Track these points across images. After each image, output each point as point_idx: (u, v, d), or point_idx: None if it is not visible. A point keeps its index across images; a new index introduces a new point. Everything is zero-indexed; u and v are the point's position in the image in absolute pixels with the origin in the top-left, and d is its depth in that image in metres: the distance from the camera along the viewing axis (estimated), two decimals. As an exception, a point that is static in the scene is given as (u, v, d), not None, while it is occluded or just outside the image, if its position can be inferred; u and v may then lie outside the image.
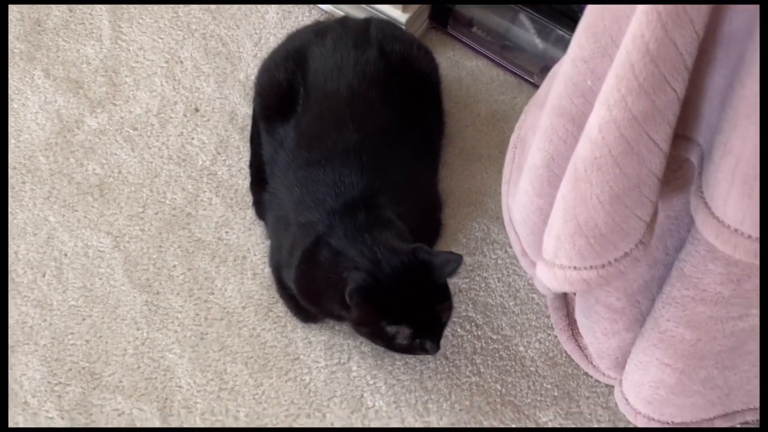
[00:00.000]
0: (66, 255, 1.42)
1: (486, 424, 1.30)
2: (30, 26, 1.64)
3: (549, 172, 0.98)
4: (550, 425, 1.30)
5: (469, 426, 1.29)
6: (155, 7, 1.66)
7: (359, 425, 1.29)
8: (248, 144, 1.51)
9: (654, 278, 1.08)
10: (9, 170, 1.49)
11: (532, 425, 1.30)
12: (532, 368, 1.34)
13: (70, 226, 1.44)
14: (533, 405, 1.31)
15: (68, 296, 1.39)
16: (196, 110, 1.56)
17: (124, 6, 1.66)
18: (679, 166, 0.91)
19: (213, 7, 1.66)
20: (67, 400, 1.31)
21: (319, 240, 1.24)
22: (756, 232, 0.77)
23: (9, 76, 1.58)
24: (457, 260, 1.16)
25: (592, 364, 1.31)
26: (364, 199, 1.26)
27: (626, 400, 1.19)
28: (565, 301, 1.36)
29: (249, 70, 1.58)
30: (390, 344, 1.21)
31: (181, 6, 1.66)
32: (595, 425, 1.30)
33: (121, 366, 1.34)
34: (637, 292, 1.11)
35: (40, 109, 1.55)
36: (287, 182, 1.34)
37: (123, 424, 1.29)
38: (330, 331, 1.37)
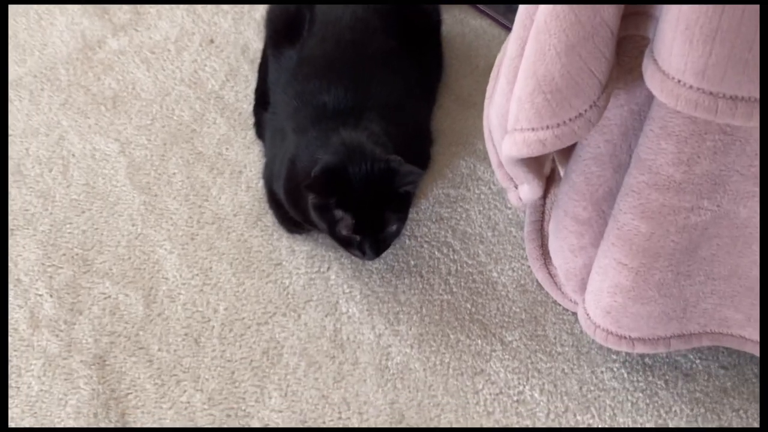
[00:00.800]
0: (74, 155, 1.50)
1: (452, 338, 1.34)
2: (66, -43, 1.75)
3: (520, 59, 1.05)
4: (514, 345, 1.34)
5: (435, 339, 1.34)
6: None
7: (331, 328, 1.34)
8: (256, 73, 1.59)
9: (618, 185, 1.13)
10: (30, 78, 1.58)
11: (497, 343, 1.34)
12: (503, 293, 1.39)
13: (81, 131, 1.53)
14: (500, 325, 1.36)
15: (71, 191, 1.46)
16: (211, 41, 1.65)
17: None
18: (641, 51, 0.97)
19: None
20: (58, 280, 1.37)
21: (300, 153, 1.31)
22: (696, 82, 0.83)
23: (41, -3, 1.69)
24: (418, 173, 1.24)
25: (560, 290, 1.36)
26: (354, 112, 1.33)
27: (587, 315, 1.24)
28: (541, 233, 1.42)
29: (264, 10, 1.67)
30: (332, 229, 1.28)
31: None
32: (559, 349, 1.34)
33: (112, 255, 1.40)
34: (602, 200, 1.16)
35: (66, 28, 1.65)
36: (286, 98, 1.41)
37: (108, 308, 1.35)
38: (313, 243, 1.43)
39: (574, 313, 1.36)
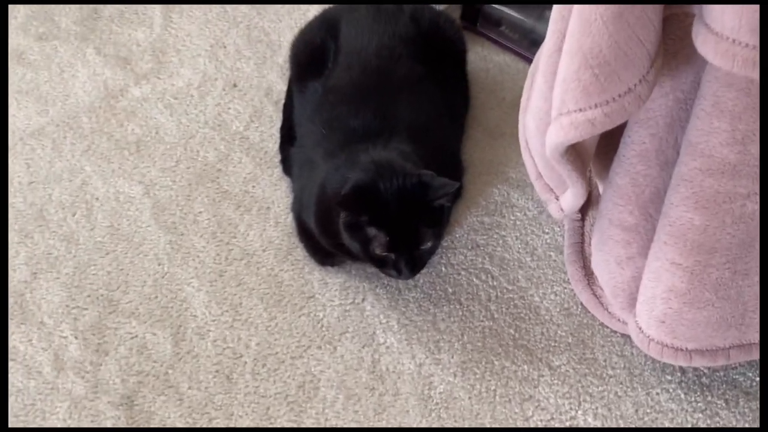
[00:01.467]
0: (97, 199, 1.47)
1: (497, 364, 1.28)
2: (87, 13, 1.76)
3: (559, 54, 1.02)
4: (562, 369, 1.27)
5: (479, 366, 1.28)
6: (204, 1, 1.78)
7: (369, 360, 1.28)
8: (281, 113, 1.57)
9: (665, 184, 1.09)
10: (53, 127, 1.57)
11: (545, 368, 1.27)
12: (546, 317, 1.33)
13: (105, 175, 1.50)
14: (546, 350, 1.30)
15: (95, 233, 1.43)
16: (234, 85, 1.64)
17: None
18: (685, 32, 0.94)
19: (259, 5, 1.77)
20: (83, 322, 1.32)
21: (330, 177, 1.27)
22: (753, 40, 0.80)
23: (62, 51, 1.68)
24: (453, 184, 1.20)
25: (607, 311, 1.30)
26: (383, 135, 1.30)
27: (640, 328, 1.18)
28: (582, 255, 1.37)
29: (287, 55, 1.66)
30: (366, 249, 1.22)
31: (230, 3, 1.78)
32: (610, 372, 1.27)
33: (138, 295, 1.36)
34: (648, 202, 1.12)
35: (88, 79, 1.64)
36: (313, 127, 1.39)
37: (135, 347, 1.30)
38: (346, 274, 1.38)
39: (623, 335, 1.30)
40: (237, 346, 1.30)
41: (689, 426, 1.22)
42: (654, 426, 1.22)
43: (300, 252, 1.40)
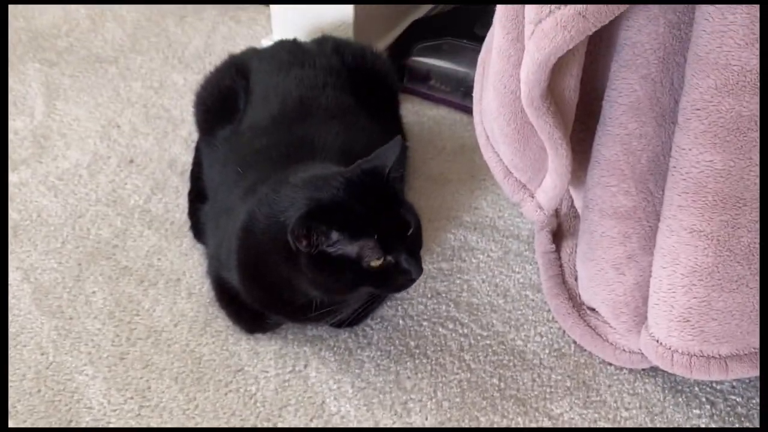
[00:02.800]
0: (-36, 291, 1.19)
1: (484, 420, 1.02)
2: (-44, 107, 1.54)
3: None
4: (566, 417, 1.02)
5: (462, 425, 1.01)
6: (93, 86, 1.58)
7: (321, 433, 1.01)
8: (188, 183, 1.34)
9: (665, 146, 0.90)
10: None
11: (544, 419, 1.02)
12: (535, 361, 1.09)
13: (-26, 265, 1.23)
14: (542, 397, 1.04)
15: (-40, 328, 1.14)
16: (131, 161, 1.41)
17: (61, 86, 1.58)
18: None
19: (156, 84, 1.58)
20: (-59, 430, 1.02)
21: (254, 211, 1.03)
22: None
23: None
24: (397, 142, 0.99)
25: (608, 341, 1.07)
26: (309, 160, 1.09)
27: (657, 341, 0.95)
28: (565, 287, 1.14)
29: (191, 128, 1.46)
30: (359, 274, 0.96)
31: (122, 85, 1.58)
32: (624, 414, 1.02)
33: (16, 391, 1.07)
34: (647, 173, 0.92)
35: (-44, 170, 1.40)
36: (227, 173, 1.17)
37: (11, 453, 0.99)
38: (282, 340, 1.12)
39: (632, 370, 1.06)
40: (147, 437, 1.01)
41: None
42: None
43: (221, 321, 1.14)
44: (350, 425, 1.01)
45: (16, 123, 1.50)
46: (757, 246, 0.86)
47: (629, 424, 1.01)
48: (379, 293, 1.05)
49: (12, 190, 1.36)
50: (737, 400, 1.03)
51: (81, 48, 1.68)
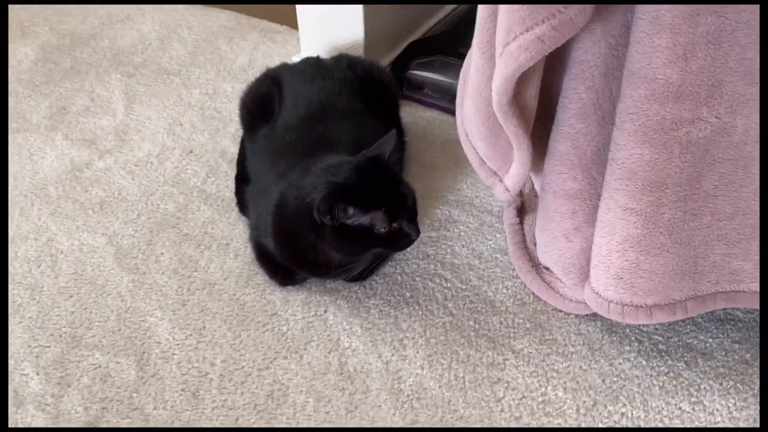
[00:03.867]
0: (62, 252, 1.20)
1: (462, 354, 1.02)
2: (56, 109, 1.53)
3: (493, 19, 0.84)
4: (525, 351, 1.02)
5: (445, 358, 1.01)
6: (162, 93, 1.57)
7: (336, 363, 1.01)
8: (235, 168, 1.34)
9: (606, 141, 0.89)
10: (21, 197, 1.31)
11: (508, 352, 1.02)
12: (502, 308, 1.09)
13: (69, 231, 1.24)
14: (507, 336, 1.05)
15: (59, 281, 1.15)
16: (191, 152, 1.41)
17: (137, 92, 1.57)
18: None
19: (210, 91, 1.57)
20: (45, 358, 1.03)
21: (286, 192, 1.04)
22: None
23: (32, 140, 1.44)
24: (392, 134, 1.00)
25: (559, 293, 1.07)
26: (329, 152, 1.09)
27: (597, 294, 0.95)
28: (526, 251, 1.14)
29: (238, 126, 1.45)
30: (372, 238, 0.97)
31: (184, 92, 1.57)
32: (571, 349, 1.02)
33: (102, 329, 1.07)
34: (591, 163, 0.92)
35: (56, 159, 1.40)
36: (265, 159, 1.17)
37: (98, 376, 1.01)
38: (307, 292, 1.12)
39: (578, 316, 1.06)
40: (202, 365, 1.02)
41: (655, 387, 0.97)
42: (620, 391, 0.96)
43: (260, 277, 1.15)
44: (359, 357, 1.02)
45: (102, 121, 1.50)
46: (676, 220, 0.86)
47: (575, 358, 1.01)
48: (387, 253, 1.05)
49: (99, 173, 1.36)
50: (659, 339, 1.03)
51: (152, 63, 1.68)
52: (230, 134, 1.45)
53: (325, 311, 1.09)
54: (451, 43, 1.55)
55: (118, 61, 1.69)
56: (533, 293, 1.10)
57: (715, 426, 0.92)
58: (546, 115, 0.97)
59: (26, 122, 1.50)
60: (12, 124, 1.49)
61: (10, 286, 1.14)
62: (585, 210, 0.95)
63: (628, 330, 1.05)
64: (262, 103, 1.27)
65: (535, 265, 1.12)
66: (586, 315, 1.06)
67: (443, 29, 1.64)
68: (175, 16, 1.84)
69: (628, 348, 1.02)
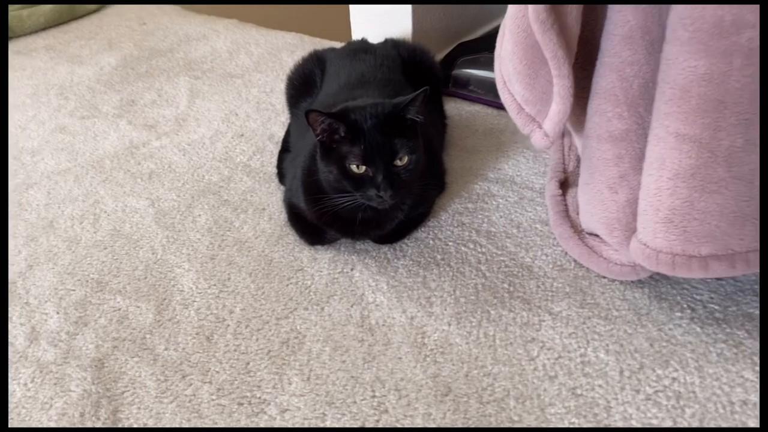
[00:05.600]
0: (105, 212, 1.10)
1: (493, 313, 0.84)
2: (126, 101, 1.47)
3: None
4: (564, 314, 0.83)
5: (474, 317, 0.84)
6: (223, 91, 1.49)
7: (358, 316, 0.85)
8: (279, 146, 1.22)
9: (653, 73, 0.73)
10: (78, 168, 1.22)
11: (545, 314, 0.83)
12: (540, 273, 0.91)
13: (116, 196, 1.14)
14: (544, 299, 0.86)
15: (97, 235, 1.04)
16: (242, 135, 1.31)
17: (201, 90, 1.49)
18: None
19: (268, 89, 1.48)
20: (68, 300, 0.91)
21: (313, 150, 0.91)
22: None
23: (99, 124, 1.37)
24: (423, 91, 0.83)
25: (602, 257, 0.88)
26: None
27: (645, 245, 0.76)
28: (568, 219, 0.96)
29: (288, 116, 1.34)
30: (345, 172, 0.83)
31: (244, 90, 1.49)
32: (615, 313, 0.83)
33: (128, 277, 0.95)
34: (638, 98, 0.75)
35: (117, 139, 1.32)
36: (302, 130, 1.05)
37: (115, 318, 0.87)
38: (335, 251, 0.97)
39: (623, 282, 0.87)
40: (221, 312, 0.87)
41: (712, 353, 0.76)
42: (670, 356, 0.76)
43: (291, 237, 1.01)
44: (382, 311, 0.85)
45: (165, 111, 1.42)
46: (736, 149, 0.68)
47: (619, 322, 0.81)
48: (357, 199, 0.86)
49: (153, 150, 1.27)
50: (715, 307, 0.83)
51: (219, 69, 1.61)
52: (280, 122, 1.35)
53: (352, 269, 0.93)
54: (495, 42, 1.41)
55: (189, 67, 1.62)
56: (574, 260, 0.92)
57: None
58: (589, 59, 0.82)
59: (96, 111, 1.43)
60: (84, 113, 1.43)
61: (51, 238, 1.03)
62: (631, 154, 0.78)
63: (679, 297, 0.85)
64: (305, 79, 1.16)
65: (578, 231, 0.94)
66: (632, 282, 0.87)
67: (491, 31, 1.52)
68: (246, 35, 1.78)
69: (679, 314, 0.82)
